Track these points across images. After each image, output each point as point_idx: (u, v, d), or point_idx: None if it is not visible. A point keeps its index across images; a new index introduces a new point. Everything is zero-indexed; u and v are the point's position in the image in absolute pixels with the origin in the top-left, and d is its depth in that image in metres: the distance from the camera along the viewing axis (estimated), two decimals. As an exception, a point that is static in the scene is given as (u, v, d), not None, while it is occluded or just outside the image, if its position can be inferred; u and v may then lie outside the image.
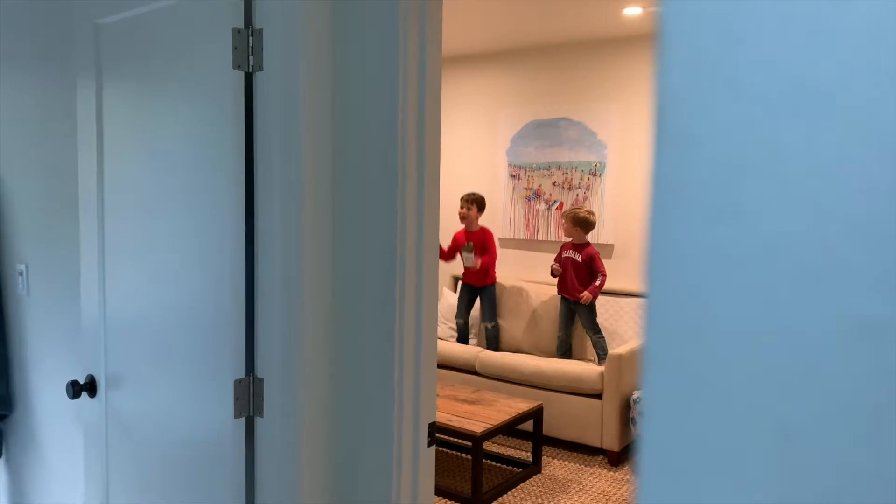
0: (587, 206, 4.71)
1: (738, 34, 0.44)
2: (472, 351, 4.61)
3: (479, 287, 4.75)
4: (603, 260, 4.43)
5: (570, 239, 4.42)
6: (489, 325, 4.76)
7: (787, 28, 0.43)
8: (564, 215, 4.49)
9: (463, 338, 4.87)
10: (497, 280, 4.91)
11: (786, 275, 0.43)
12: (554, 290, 4.56)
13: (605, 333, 4.40)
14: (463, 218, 4.68)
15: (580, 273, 4.32)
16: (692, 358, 0.46)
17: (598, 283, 4.26)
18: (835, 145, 0.41)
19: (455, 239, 4.78)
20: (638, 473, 0.49)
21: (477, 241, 4.66)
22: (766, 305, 0.43)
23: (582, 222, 4.34)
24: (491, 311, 4.76)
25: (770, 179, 0.43)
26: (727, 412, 0.45)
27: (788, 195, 0.43)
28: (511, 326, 4.81)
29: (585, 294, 4.24)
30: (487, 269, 4.71)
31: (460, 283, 4.91)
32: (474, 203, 4.68)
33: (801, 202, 0.42)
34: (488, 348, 4.74)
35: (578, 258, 4.33)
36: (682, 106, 0.45)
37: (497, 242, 5.33)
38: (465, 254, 4.63)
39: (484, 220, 5.40)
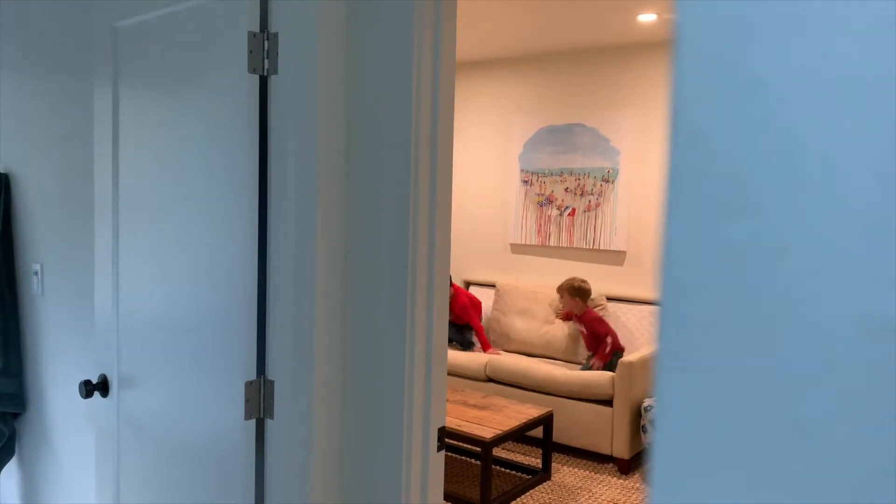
0: (578, 276, 4.60)
1: (752, 33, 0.44)
2: (482, 357, 4.61)
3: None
4: (614, 266, 4.41)
5: (570, 310, 4.40)
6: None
7: (801, 27, 0.42)
8: (559, 290, 4.45)
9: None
10: (510, 285, 4.90)
11: (801, 273, 0.42)
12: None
13: (618, 340, 4.38)
14: None
15: (590, 341, 4.34)
16: (706, 356, 0.45)
17: (607, 349, 4.24)
18: (850, 143, 0.41)
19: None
20: (651, 475, 0.49)
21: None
22: (782, 304, 0.43)
23: (579, 291, 4.32)
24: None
25: (785, 177, 0.43)
26: (743, 411, 0.44)
27: (804, 193, 0.42)
28: (522, 330, 4.80)
29: (597, 364, 4.22)
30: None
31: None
32: None
33: (816, 200, 0.42)
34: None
35: (584, 329, 4.33)
36: (697, 105, 0.45)
37: (508, 247, 5.32)
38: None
39: (495, 225, 5.40)
